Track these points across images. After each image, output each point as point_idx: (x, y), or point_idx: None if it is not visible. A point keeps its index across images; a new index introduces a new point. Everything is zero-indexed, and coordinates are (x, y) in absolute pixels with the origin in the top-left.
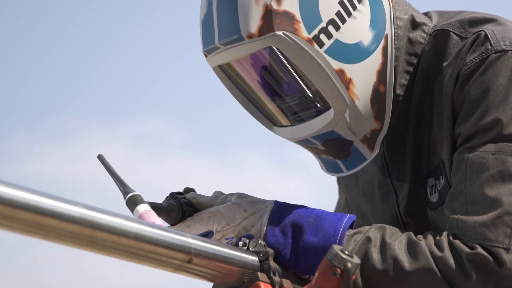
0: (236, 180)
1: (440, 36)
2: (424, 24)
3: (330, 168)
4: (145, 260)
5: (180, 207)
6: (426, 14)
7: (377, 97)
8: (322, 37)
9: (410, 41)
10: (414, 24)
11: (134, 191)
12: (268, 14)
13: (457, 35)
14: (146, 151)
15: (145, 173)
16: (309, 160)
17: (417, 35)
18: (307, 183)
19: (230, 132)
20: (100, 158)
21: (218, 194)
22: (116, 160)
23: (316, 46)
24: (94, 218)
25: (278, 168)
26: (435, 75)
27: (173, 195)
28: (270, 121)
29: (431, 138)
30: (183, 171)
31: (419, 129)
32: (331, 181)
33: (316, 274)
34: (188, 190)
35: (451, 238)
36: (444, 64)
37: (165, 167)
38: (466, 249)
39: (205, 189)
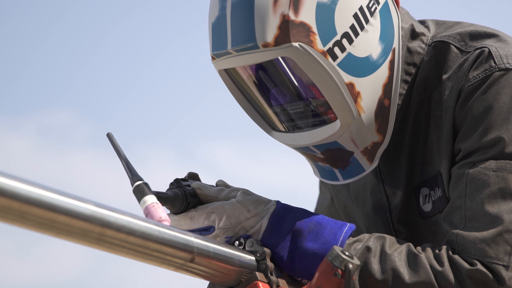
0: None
1: (440, 48)
2: (423, 34)
3: (325, 175)
4: (150, 258)
5: (185, 198)
6: (423, 23)
7: (381, 110)
8: (336, 50)
9: (409, 50)
10: (414, 34)
11: (142, 179)
12: (285, 24)
13: (457, 48)
14: (50, 146)
15: (49, 168)
16: (218, 157)
17: (416, 45)
18: (216, 180)
19: (136, 128)
20: (109, 136)
21: (222, 185)
22: (19, 155)
23: (329, 59)
24: (104, 216)
25: (185, 165)
26: (433, 85)
27: (178, 183)
28: (269, 126)
29: (427, 148)
30: (88, 168)
31: (415, 138)
32: (240, 177)
33: (317, 274)
34: (191, 175)
35: (450, 253)
36: (444, 76)
37: (69, 163)
38: (466, 265)
39: (113, 188)
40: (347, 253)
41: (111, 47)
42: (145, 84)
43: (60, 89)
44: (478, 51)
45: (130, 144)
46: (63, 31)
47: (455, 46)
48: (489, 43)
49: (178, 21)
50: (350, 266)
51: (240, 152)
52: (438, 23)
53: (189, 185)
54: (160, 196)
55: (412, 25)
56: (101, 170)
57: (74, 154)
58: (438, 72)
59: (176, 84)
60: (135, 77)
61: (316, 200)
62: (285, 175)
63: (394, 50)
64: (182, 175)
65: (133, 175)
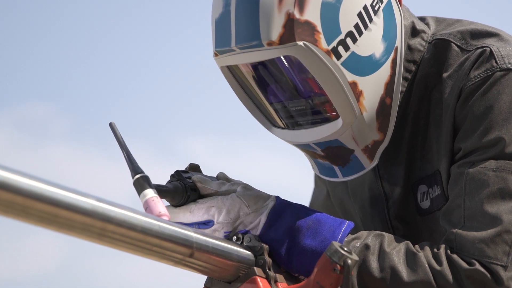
0: (119, 173)
1: (440, 46)
2: (424, 31)
3: (324, 172)
4: (149, 253)
5: (185, 191)
6: (423, 19)
7: (383, 109)
8: (340, 49)
9: (410, 48)
10: (414, 31)
11: (143, 172)
12: (290, 23)
13: (458, 46)
14: (28, 140)
15: (26, 163)
16: (197, 154)
17: (417, 42)
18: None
19: (115, 122)
20: (112, 126)
21: (223, 178)
22: None
23: (334, 58)
24: (105, 210)
25: (165, 159)
26: (433, 83)
27: (179, 175)
28: (270, 123)
29: (426, 145)
30: (67, 162)
31: (414, 136)
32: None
33: (315, 269)
34: (193, 166)
35: (449, 252)
36: (444, 74)
37: (48, 157)
38: (465, 265)
39: (93, 183)
40: (345, 249)
41: (90, 40)
42: (125, 79)
43: (38, 82)
44: (479, 50)
45: (108, 139)
46: (40, 23)
47: (455, 45)
48: (490, 42)
49: (163, 16)
50: (349, 261)
51: (219, 149)
52: (438, 20)
53: (189, 177)
54: (160, 189)
55: (412, 22)
56: (81, 165)
57: (52, 149)
58: (439, 70)
59: (156, 79)
60: (115, 71)
61: (311, 193)
62: (266, 172)
63: (396, 48)
64: (161, 171)
65: (134, 168)
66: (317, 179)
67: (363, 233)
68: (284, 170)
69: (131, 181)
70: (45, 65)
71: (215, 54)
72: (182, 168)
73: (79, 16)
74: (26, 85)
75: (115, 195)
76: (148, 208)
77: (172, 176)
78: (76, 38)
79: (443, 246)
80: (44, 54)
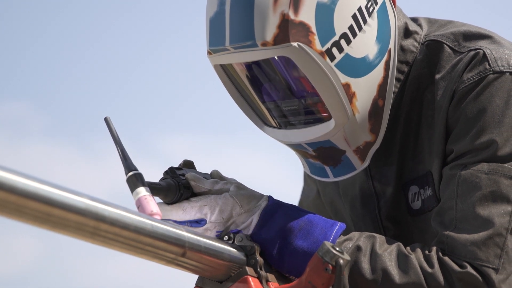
0: (97, 172)
1: (433, 47)
2: (416, 32)
3: (315, 171)
4: (142, 252)
5: (178, 189)
6: (415, 20)
7: (375, 110)
8: (334, 50)
9: (402, 49)
10: (407, 32)
11: (137, 169)
12: (285, 24)
13: (450, 47)
14: (4, 138)
15: (3, 162)
16: (174, 152)
17: (409, 43)
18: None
19: (92, 120)
20: (107, 121)
21: (216, 176)
22: None
23: (327, 60)
24: (99, 209)
25: (143, 159)
26: (425, 84)
27: (173, 172)
28: (262, 121)
29: (417, 146)
30: (44, 160)
31: (406, 136)
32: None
33: (307, 269)
34: (187, 163)
35: (440, 254)
36: (437, 76)
37: (25, 155)
38: (456, 268)
39: (71, 181)
40: (337, 249)
41: (68, 38)
42: (104, 77)
43: (14, 80)
44: (472, 52)
45: (85, 137)
46: (16, 21)
47: (448, 46)
48: (483, 44)
49: (145, 16)
50: (341, 261)
51: (200, 148)
52: (430, 22)
53: (183, 174)
54: (153, 187)
55: (405, 23)
56: (59, 163)
57: (30, 147)
58: (431, 71)
59: (135, 78)
60: (93, 69)
61: (301, 192)
62: (248, 171)
63: (390, 50)
64: (141, 170)
65: (128, 165)
66: (307, 177)
67: (355, 234)
68: (267, 170)
69: (110, 179)
70: (21, 63)
71: (209, 53)
72: (162, 167)
73: (56, 14)
74: (2, 84)
75: (94, 194)
76: (140, 206)
77: (165, 173)
78: (53, 36)
79: (434, 248)
80: (20, 52)
